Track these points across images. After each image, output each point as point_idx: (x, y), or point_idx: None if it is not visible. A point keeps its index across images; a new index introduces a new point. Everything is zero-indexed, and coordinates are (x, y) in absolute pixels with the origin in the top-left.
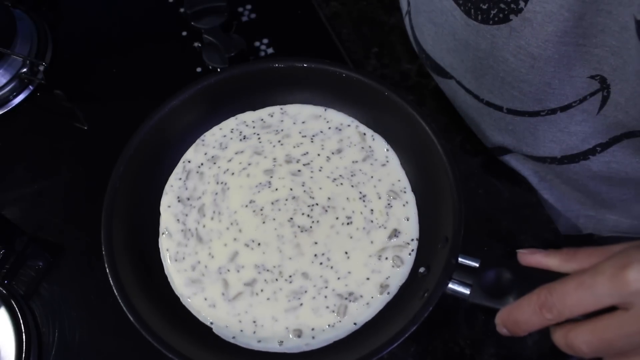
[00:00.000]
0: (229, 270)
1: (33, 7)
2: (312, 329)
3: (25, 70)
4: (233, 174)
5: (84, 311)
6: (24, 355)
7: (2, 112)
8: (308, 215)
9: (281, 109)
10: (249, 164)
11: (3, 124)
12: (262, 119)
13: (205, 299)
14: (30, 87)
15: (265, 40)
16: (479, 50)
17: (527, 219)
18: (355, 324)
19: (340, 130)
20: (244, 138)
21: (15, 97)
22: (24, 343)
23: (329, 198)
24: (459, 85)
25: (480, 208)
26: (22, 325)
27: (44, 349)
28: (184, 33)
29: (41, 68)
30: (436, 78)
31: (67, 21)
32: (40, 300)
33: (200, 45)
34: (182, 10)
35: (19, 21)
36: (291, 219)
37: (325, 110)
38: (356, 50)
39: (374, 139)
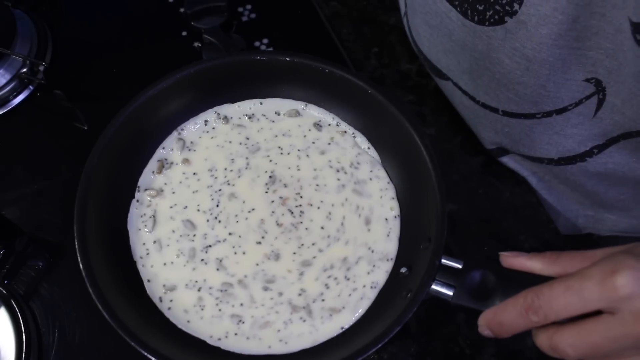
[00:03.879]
0: (205, 270)
1: (33, 7)
2: (292, 329)
3: (25, 70)
4: (209, 167)
5: (84, 311)
6: (24, 355)
7: (2, 112)
8: (293, 213)
9: (261, 102)
10: (225, 158)
11: (3, 124)
12: (240, 112)
13: (180, 297)
14: (30, 87)
15: (265, 40)
16: (475, 51)
17: (527, 219)
18: (340, 327)
19: (320, 126)
20: (221, 131)
21: (15, 97)
22: (24, 343)
23: (307, 196)
24: (456, 87)
25: (480, 208)
26: (22, 325)
27: (44, 349)
28: (184, 33)
29: (41, 68)
30: (435, 78)
31: (67, 21)
32: (40, 300)
33: (200, 45)
34: (182, 10)
35: (19, 21)
36: (261, 219)
37: (305, 105)
38: (356, 50)
39: (354, 137)
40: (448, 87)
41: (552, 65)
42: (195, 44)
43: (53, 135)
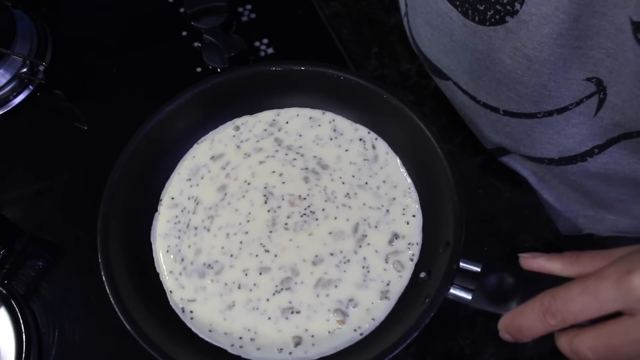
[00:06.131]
0: (226, 281)
1: (33, 7)
2: (312, 336)
3: (25, 70)
4: (231, 180)
5: (84, 311)
6: (24, 355)
7: (2, 112)
8: (306, 220)
9: (278, 113)
10: (245, 170)
11: (3, 124)
12: (259, 123)
13: (202, 308)
14: (30, 87)
15: (265, 40)
16: (476, 51)
17: (527, 219)
18: (354, 330)
19: (339, 133)
20: (241, 143)
21: (15, 97)
22: (24, 343)
23: (328, 202)
24: (457, 87)
25: (480, 208)
26: (22, 325)
27: (44, 349)
28: (184, 33)
29: (41, 68)
30: (435, 79)
31: (67, 21)
32: (40, 300)
33: (200, 45)
34: (182, 10)
35: (19, 21)
36: (286, 223)
37: (323, 113)
38: (356, 50)
39: (373, 142)
40: (448, 87)
41: (553, 64)
42: (195, 44)
43: (53, 135)
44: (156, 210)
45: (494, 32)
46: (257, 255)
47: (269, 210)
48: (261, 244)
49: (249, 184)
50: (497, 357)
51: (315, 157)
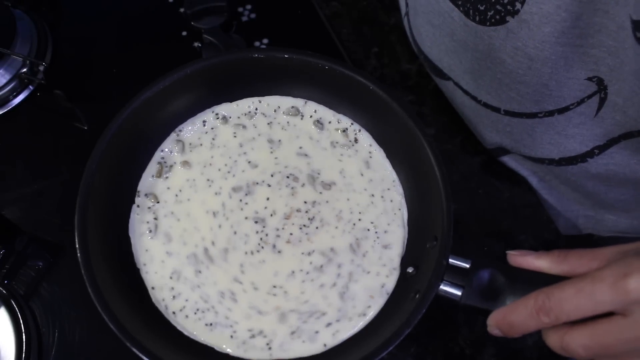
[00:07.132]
0: (211, 273)
1: (33, 7)
2: (306, 338)
3: (25, 70)
4: (208, 170)
5: (84, 311)
6: (24, 355)
7: (2, 112)
8: (307, 232)
9: (259, 100)
10: (225, 160)
11: (3, 124)
12: (239, 111)
13: (193, 307)
14: (30, 87)
15: (265, 40)
16: (477, 51)
17: (527, 219)
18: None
19: (321, 124)
20: (220, 132)
21: (15, 97)
22: (24, 343)
23: (310, 196)
24: (457, 87)
25: (480, 208)
26: (22, 325)
27: (44, 349)
28: (184, 33)
29: (41, 68)
30: (435, 79)
31: (67, 21)
32: (40, 300)
33: (200, 45)
34: (182, 10)
35: (19, 21)
36: (291, 234)
37: (305, 102)
38: (356, 50)
39: (356, 134)
40: (449, 87)
41: (555, 63)
42: (195, 44)
43: (53, 135)
44: (133, 202)
45: (495, 32)
46: (243, 249)
47: (265, 234)
48: (247, 236)
49: (228, 172)
50: (497, 357)
51: (296, 148)
